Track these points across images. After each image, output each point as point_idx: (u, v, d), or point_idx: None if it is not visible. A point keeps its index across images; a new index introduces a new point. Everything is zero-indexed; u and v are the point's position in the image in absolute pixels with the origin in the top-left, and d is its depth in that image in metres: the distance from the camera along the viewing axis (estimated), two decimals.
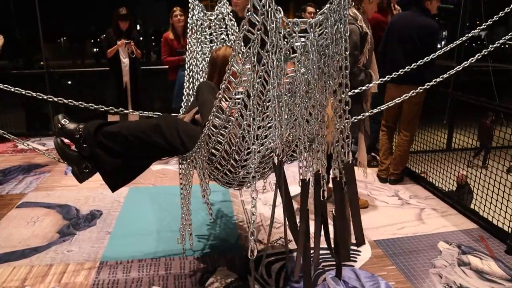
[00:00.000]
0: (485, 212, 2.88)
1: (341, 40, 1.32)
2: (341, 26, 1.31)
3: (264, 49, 1.23)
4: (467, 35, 2.66)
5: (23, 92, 2.29)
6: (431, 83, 2.39)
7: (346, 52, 1.34)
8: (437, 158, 3.59)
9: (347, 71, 1.37)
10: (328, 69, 1.38)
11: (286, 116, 1.39)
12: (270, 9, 1.17)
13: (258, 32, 1.21)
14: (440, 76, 2.40)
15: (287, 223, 1.45)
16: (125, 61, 4.63)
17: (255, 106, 1.38)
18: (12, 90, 2.28)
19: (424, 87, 2.40)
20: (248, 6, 1.18)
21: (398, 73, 2.48)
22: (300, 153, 1.50)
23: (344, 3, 1.28)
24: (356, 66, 2.75)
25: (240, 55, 1.32)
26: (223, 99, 1.52)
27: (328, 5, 1.28)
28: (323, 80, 1.39)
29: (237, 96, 1.45)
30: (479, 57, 2.32)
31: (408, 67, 2.49)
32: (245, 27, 1.23)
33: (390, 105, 2.50)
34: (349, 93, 2.51)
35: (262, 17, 1.19)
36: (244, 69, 1.32)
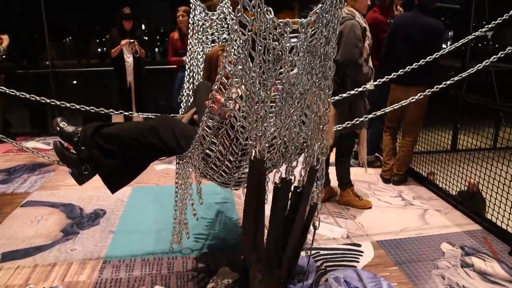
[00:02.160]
0: (489, 213, 2.86)
1: (332, 41, 1.33)
2: (333, 26, 1.31)
3: (256, 50, 1.23)
4: (467, 37, 2.65)
5: (38, 99, 2.34)
6: (439, 86, 2.38)
7: (333, 54, 1.37)
8: (441, 159, 3.57)
9: (332, 73, 1.40)
10: (321, 69, 1.38)
11: (281, 118, 1.38)
12: (260, 10, 1.17)
13: (249, 33, 1.21)
14: (451, 79, 2.40)
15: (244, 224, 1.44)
16: (129, 60, 4.64)
17: (247, 107, 1.37)
18: (28, 97, 2.33)
19: (431, 89, 2.39)
20: (238, 7, 1.17)
21: (398, 73, 2.48)
22: (290, 157, 1.49)
23: (337, 3, 1.28)
24: (361, 59, 2.76)
25: (231, 56, 1.32)
26: (215, 100, 1.51)
27: (320, 5, 1.27)
28: (316, 81, 1.39)
29: (229, 97, 1.45)
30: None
31: (409, 66, 2.48)
32: (235, 27, 1.23)
33: (395, 107, 2.50)
34: (359, 89, 2.54)
35: (252, 18, 1.18)
36: (236, 70, 1.32)
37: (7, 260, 2.40)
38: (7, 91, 2.32)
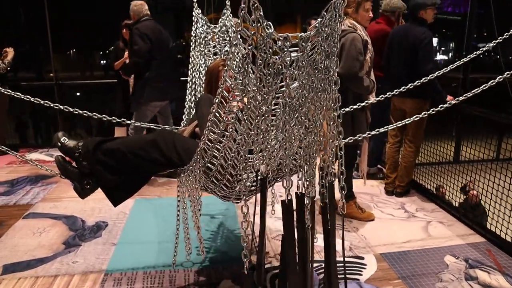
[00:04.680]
0: (493, 225, 2.84)
1: (333, 55, 1.34)
2: (333, 40, 1.32)
3: (256, 64, 1.24)
4: (475, 53, 2.65)
5: (52, 105, 2.37)
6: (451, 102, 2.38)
7: (336, 68, 1.38)
8: (443, 171, 3.56)
9: (337, 87, 1.41)
10: (321, 83, 1.38)
11: (281, 131, 1.39)
12: (259, 24, 1.18)
13: (250, 47, 1.22)
14: (464, 95, 2.38)
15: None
16: None
17: (248, 120, 1.38)
18: (45, 103, 2.38)
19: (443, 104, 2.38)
20: (239, 21, 1.19)
21: (400, 89, 2.49)
22: (289, 172, 1.48)
23: (336, 17, 1.29)
24: (361, 72, 2.77)
25: (232, 70, 1.33)
26: (217, 113, 1.52)
27: (319, 19, 1.29)
28: (316, 94, 1.40)
29: (230, 111, 1.45)
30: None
31: (412, 84, 2.48)
32: (235, 42, 1.24)
33: (398, 125, 2.49)
34: (362, 104, 2.54)
35: (252, 32, 1.19)
36: (236, 84, 1.33)
37: (8, 272, 2.39)
38: (23, 97, 2.36)
